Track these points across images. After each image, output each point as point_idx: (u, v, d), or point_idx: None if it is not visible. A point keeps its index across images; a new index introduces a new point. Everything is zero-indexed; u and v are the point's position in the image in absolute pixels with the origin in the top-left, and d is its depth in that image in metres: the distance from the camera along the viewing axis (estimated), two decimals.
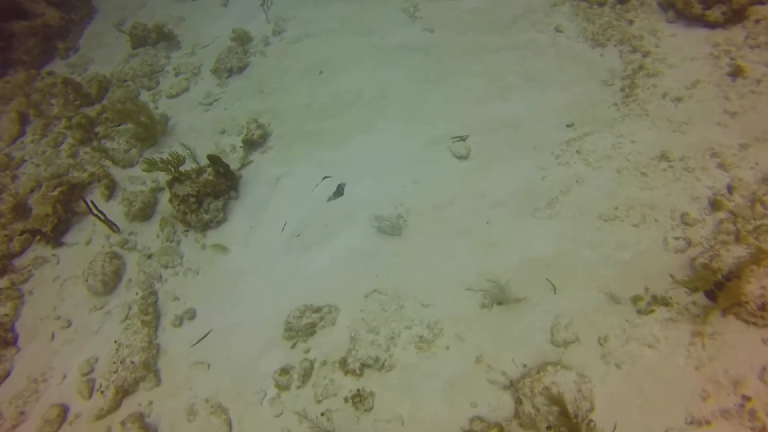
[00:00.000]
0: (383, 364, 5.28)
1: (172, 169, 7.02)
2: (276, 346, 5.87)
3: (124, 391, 5.98)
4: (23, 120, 10.49)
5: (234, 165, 7.98)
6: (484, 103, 7.60)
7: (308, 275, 6.39)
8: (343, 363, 5.40)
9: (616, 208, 5.83)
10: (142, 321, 6.50)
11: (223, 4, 11.82)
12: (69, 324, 7.06)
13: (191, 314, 6.55)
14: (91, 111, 9.82)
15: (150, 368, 6.09)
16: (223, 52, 9.84)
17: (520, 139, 6.96)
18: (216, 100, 9.39)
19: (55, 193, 8.18)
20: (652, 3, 7.94)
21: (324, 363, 5.56)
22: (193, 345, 6.27)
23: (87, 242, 7.93)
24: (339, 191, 6.99)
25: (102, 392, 6.00)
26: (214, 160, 7.15)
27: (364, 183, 7.07)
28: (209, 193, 7.18)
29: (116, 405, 5.94)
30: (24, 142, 10.11)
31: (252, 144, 8.15)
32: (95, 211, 7.56)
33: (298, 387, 5.49)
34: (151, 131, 8.64)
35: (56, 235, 8.04)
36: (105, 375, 6.14)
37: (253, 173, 7.86)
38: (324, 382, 5.40)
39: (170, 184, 7.17)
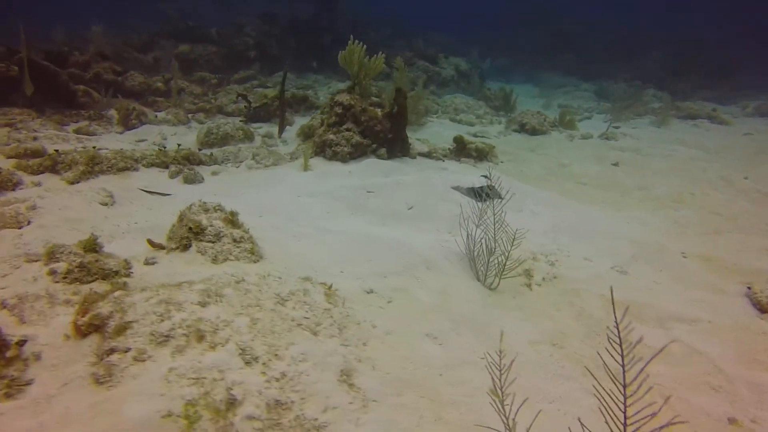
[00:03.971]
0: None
1: (355, 80, 5.24)
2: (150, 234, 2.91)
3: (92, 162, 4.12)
4: None
5: (423, 150, 5.61)
6: None
7: (315, 224, 3.22)
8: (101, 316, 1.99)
9: None
10: (172, 156, 4.66)
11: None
12: (164, 139, 5.94)
13: (196, 179, 4.32)
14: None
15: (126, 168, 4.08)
16: (531, 113, 7.90)
17: None
18: (482, 137, 7.38)
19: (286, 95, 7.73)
20: None
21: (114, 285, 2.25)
22: (141, 188, 3.95)
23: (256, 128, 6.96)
24: (483, 191, 3.62)
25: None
26: (399, 93, 5.00)
27: (536, 220, 3.45)
28: (359, 123, 4.99)
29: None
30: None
31: (461, 149, 5.63)
32: (282, 111, 6.57)
33: (58, 279, 2.35)
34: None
35: (252, 116, 7.47)
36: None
37: (426, 164, 5.25)
38: (40, 305, 2.10)
39: (341, 91, 5.39)
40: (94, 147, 4.64)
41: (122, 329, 1.67)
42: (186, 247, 2.55)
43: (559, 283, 2.60)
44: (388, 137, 5.10)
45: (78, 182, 3.99)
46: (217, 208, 2.71)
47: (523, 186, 4.32)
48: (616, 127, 8.17)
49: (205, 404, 1.42)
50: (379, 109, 5.17)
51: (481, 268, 2.58)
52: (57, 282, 2.35)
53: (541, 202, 3.84)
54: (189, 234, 2.54)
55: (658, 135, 8.36)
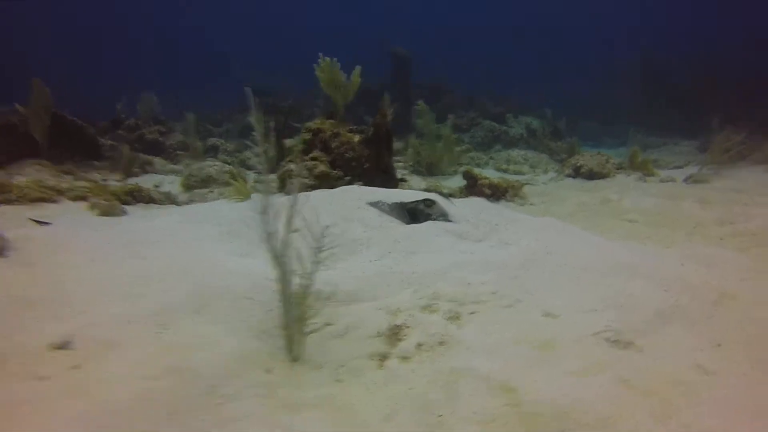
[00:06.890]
0: None
1: (335, 104, 4.38)
2: None
3: None
4: None
5: (419, 187, 4.43)
6: None
7: (147, 252, 2.19)
8: None
9: None
10: (111, 190, 4.06)
11: None
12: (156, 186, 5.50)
13: (114, 212, 3.58)
14: None
15: None
16: (589, 154, 6.35)
17: None
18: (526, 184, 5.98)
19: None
20: None
21: None
22: (31, 218, 3.27)
23: None
24: (418, 208, 2.32)
25: None
26: (379, 113, 4.00)
27: (498, 253, 2.06)
28: (329, 150, 4.02)
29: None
30: None
31: (472, 186, 4.36)
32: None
33: None
34: None
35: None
36: None
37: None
38: None
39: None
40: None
41: None
42: None
43: (445, 354, 1.21)
44: (364, 167, 4.02)
45: None
46: None
47: (513, 214, 2.91)
48: (713, 172, 6.23)
49: None
50: (357, 135, 4.17)
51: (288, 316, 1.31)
52: None
53: (528, 230, 2.40)
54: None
55: None
